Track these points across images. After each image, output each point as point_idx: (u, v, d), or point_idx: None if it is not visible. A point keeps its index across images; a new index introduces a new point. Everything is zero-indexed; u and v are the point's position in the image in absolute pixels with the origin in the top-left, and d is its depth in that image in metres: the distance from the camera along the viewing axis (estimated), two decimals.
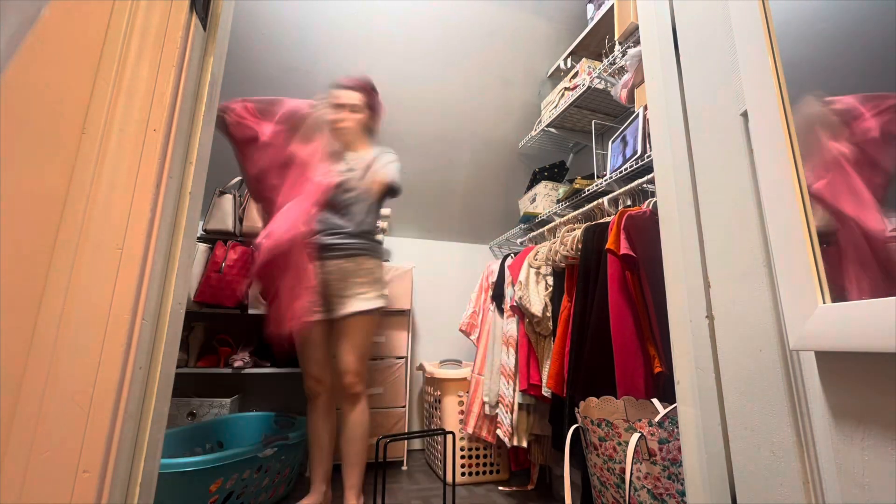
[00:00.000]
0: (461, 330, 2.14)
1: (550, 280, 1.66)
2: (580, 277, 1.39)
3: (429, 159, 2.44)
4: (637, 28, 1.37)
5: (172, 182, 0.63)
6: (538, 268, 1.68)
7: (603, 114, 2.05)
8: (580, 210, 1.75)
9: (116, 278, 0.55)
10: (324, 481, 1.56)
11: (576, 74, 1.97)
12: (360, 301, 1.49)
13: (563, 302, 1.50)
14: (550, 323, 1.59)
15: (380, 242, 1.65)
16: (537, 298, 1.62)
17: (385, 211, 2.27)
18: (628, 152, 1.55)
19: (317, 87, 2.11)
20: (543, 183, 2.17)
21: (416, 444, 2.45)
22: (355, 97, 1.62)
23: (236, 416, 1.93)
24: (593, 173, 1.92)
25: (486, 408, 1.78)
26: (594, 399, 1.13)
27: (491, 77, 2.26)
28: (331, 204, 1.52)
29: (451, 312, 2.65)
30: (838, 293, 0.43)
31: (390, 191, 1.57)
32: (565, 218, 1.83)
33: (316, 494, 1.53)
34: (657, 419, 0.93)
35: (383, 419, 2.12)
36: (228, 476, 1.36)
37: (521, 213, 2.30)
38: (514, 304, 1.67)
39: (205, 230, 2.07)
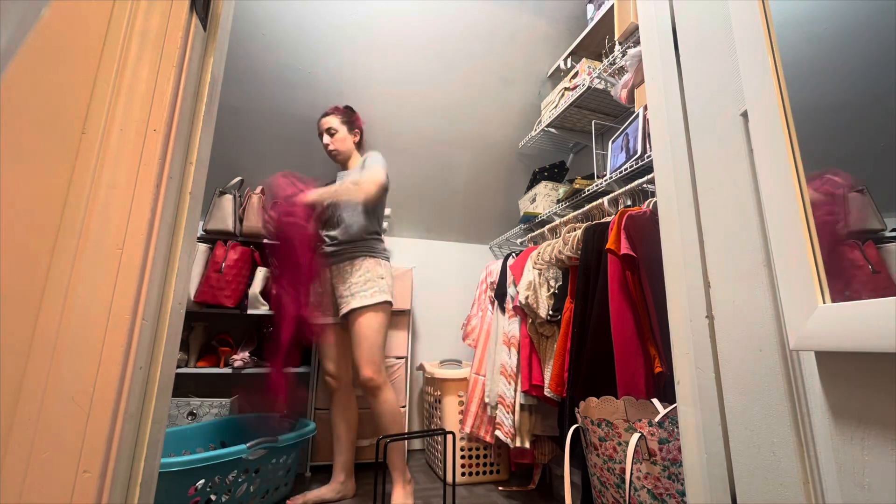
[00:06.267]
0: (464, 340, 2.16)
1: (553, 282, 1.66)
2: (580, 277, 1.39)
3: (429, 160, 2.44)
4: (637, 28, 1.37)
5: (172, 182, 0.63)
6: (542, 269, 1.67)
7: (603, 114, 2.05)
8: (580, 210, 1.75)
9: (116, 278, 0.55)
10: (342, 471, 1.70)
11: (576, 74, 1.97)
12: (359, 298, 1.61)
13: (567, 303, 1.50)
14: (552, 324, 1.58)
15: (376, 242, 1.75)
16: (543, 300, 1.61)
17: (385, 211, 2.28)
18: (628, 153, 1.55)
19: (317, 88, 2.13)
20: (543, 183, 2.17)
21: (417, 444, 2.45)
22: (334, 121, 1.79)
23: (240, 416, 1.92)
24: (593, 173, 1.92)
25: (488, 409, 1.78)
26: (594, 399, 1.13)
27: (491, 77, 2.25)
28: (324, 220, 1.73)
29: (451, 312, 2.65)
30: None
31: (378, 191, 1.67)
32: (565, 218, 1.83)
33: (334, 484, 1.68)
34: (657, 419, 0.93)
35: None
36: (210, 478, 1.33)
37: (521, 214, 2.30)
38: (518, 304, 1.66)
39: (205, 230, 2.07)
